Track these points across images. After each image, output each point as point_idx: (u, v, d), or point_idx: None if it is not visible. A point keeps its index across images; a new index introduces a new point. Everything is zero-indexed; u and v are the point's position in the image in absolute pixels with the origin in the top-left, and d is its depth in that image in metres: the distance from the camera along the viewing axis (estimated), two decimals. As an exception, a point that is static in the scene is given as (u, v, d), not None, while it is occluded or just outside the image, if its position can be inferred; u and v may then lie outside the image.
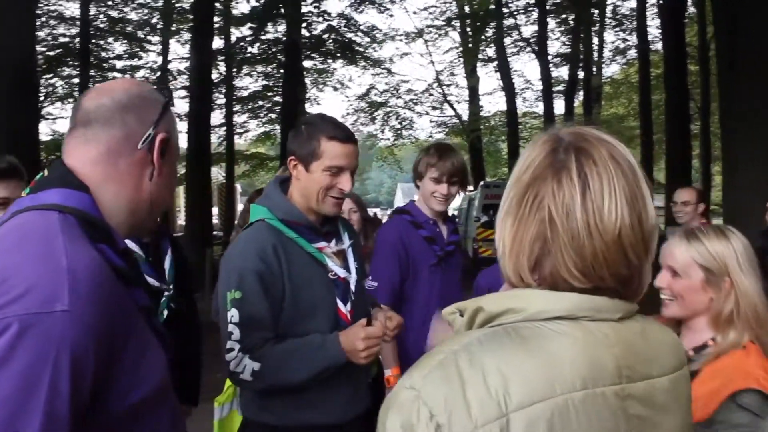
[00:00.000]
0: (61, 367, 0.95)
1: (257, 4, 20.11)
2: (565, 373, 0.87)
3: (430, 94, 26.64)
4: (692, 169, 20.56)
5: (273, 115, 23.75)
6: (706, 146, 22.57)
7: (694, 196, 4.71)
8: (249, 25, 21.41)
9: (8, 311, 0.94)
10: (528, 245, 0.94)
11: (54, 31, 20.01)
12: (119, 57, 21.57)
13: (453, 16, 25.15)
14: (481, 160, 25.02)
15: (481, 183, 19.32)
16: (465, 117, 25.97)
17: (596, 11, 22.87)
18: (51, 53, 19.70)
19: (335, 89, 25.67)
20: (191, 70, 16.93)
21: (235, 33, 22.07)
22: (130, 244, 2.48)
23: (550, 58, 23.56)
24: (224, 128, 22.82)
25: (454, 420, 0.83)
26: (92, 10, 19.32)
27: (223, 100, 22.46)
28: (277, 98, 22.41)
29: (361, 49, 23.74)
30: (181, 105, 23.20)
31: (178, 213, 26.68)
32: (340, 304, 2.15)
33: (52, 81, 20.52)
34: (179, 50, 31.67)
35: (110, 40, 21.31)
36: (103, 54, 21.32)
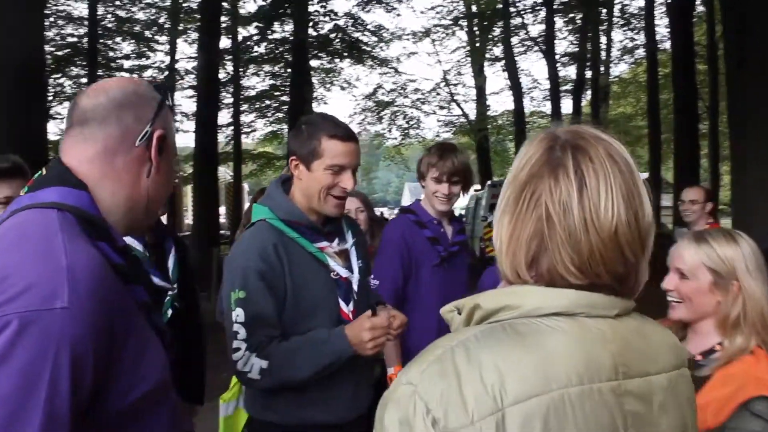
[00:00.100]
0: (61, 364, 0.95)
1: (264, 3, 20.16)
2: (562, 368, 0.87)
3: (438, 94, 26.63)
4: (701, 168, 20.46)
5: (280, 115, 23.79)
6: (714, 145, 22.47)
7: (702, 195, 4.69)
8: (256, 24, 21.47)
9: (8, 309, 0.94)
10: (525, 242, 0.95)
11: (62, 31, 20.12)
12: (127, 57, 21.64)
13: (460, 16, 25.12)
14: (488, 159, 24.97)
15: (488, 182, 19.29)
16: (472, 116, 25.92)
17: (604, 10, 22.80)
18: (59, 53, 19.79)
19: (342, 89, 25.71)
20: (198, 69, 17.00)
21: (242, 32, 22.15)
22: (134, 243, 2.48)
23: (557, 57, 23.54)
24: (231, 127, 22.85)
25: (450, 414, 0.83)
26: (100, 10, 19.39)
27: (231, 100, 22.49)
28: (285, 97, 22.44)
29: (368, 49, 23.79)
30: (188, 104, 23.31)
31: (185, 212, 26.77)
32: (342, 304, 2.15)
33: (60, 81, 20.60)
34: (187, 50, 31.89)
35: (118, 39, 21.38)
36: (111, 54, 21.39)
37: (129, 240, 2.43)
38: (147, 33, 21.41)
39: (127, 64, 21.53)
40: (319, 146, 2.08)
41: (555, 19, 22.79)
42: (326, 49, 22.69)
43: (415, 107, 26.70)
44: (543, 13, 22.85)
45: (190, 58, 22.40)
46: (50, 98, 18.42)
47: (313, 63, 22.28)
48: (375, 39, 23.63)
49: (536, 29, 24.59)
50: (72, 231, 1.08)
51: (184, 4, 20.82)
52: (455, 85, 26.91)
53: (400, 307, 2.66)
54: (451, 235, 3.08)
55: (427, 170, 2.99)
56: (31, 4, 7.43)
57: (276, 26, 21.26)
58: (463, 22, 25.35)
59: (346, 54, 23.36)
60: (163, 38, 21.70)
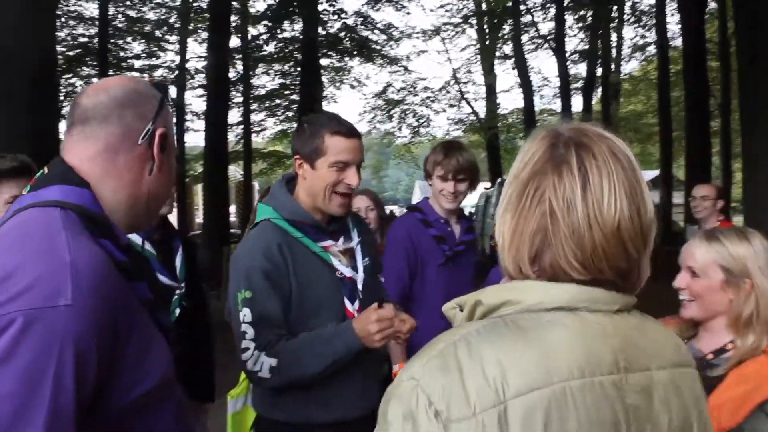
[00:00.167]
0: (65, 361, 0.95)
1: (273, 2, 20.18)
2: (563, 362, 0.88)
3: (447, 92, 26.52)
4: (712, 165, 20.32)
5: (290, 113, 23.79)
6: (726, 143, 22.28)
7: (713, 192, 4.68)
8: (265, 23, 21.49)
9: (12, 306, 0.95)
10: (528, 238, 0.96)
11: (74, 32, 20.22)
12: (137, 56, 21.71)
13: (470, 14, 25.00)
14: (498, 157, 24.86)
15: (498, 180, 19.17)
16: (482, 114, 25.82)
17: (615, 7, 22.65)
18: (71, 53, 19.89)
19: (352, 87, 25.65)
20: (208, 68, 17.03)
21: (252, 31, 22.17)
22: (141, 240, 2.49)
23: (567, 54, 23.38)
24: (242, 126, 22.89)
25: (452, 407, 0.84)
26: (111, 10, 19.47)
27: (241, 99, 22.52)
28: (294, 96, 22.45)
29: (378, 47, 23.73)
30: (198, 104, 23.32)
31: (195, 211, 26.85)
32: (347, 303, 2.15)
33: (71, 81, 20.71)
34: (197, 49, 31.91)
35: (129, 39, 21.45)
36: (122, 53, 21.46)
37: (135, 238, 2.45)
38: (157, 33, 21.47)
39: (137, 63, 21.61)
40: (323, 144, 2.08)
41: (565, 16, 22.65)
42: (336, 48, 22.67)
43: (425, 105, 26.63)
44: (553, 11, 22.72)
45: (200, 57, 22.44)
46: (62, 98, 18.54)
47: (323, 62, 22.27)
48: (385, 37, 23.58)
49: (546, 27, 24.56)
50: (75, 229, 1.09)
51: (194, 4, 20.88)
52: (465, 83, 26.79)
53: (405, 306, 2.66)
54: (458, 234, 3.08)
55: (433, 169, 3.00)
56: (43, 4, 7.46)
57: (285, 25, 21.26)
58: (473, 20, 25.21)
59: (355, 52, 23.32)
60: (174, 38, 21.75)
